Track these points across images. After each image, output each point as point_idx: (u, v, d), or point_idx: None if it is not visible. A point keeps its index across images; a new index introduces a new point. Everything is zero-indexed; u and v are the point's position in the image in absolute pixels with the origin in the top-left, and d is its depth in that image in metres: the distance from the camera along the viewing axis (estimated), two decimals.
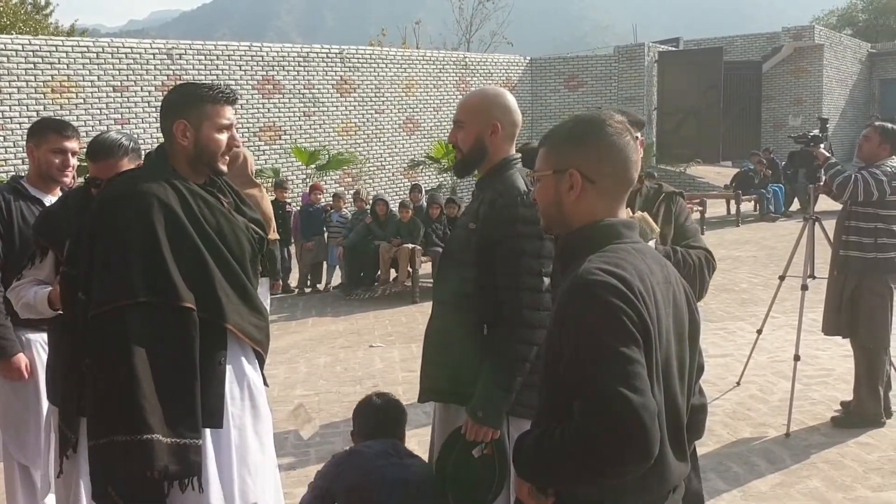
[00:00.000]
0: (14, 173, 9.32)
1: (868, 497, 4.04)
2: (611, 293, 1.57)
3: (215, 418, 2.44)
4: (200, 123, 2.50)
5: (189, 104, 2.52)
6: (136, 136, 3.21)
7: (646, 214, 2.76)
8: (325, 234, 10.37)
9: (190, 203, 2.49)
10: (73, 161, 3.48)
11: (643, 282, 1.65)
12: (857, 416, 4.99)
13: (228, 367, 2.51)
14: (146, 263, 2.37)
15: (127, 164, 2.93)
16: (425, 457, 2.99)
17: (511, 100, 2.71)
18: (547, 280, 2.49)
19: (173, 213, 2.44)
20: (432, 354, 2.76)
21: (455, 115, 2.74)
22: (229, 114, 2.55)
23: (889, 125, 5.10)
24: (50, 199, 3.46)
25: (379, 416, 3.09)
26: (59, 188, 3.52)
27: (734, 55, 24.80)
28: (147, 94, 12.88)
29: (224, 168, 2.59)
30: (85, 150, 3.10)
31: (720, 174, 19.85)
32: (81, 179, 3.53)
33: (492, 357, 2.50)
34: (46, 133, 3.43)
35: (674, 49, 22.90)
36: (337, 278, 10.37)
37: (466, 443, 2.51)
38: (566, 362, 1.60)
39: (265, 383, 2.75)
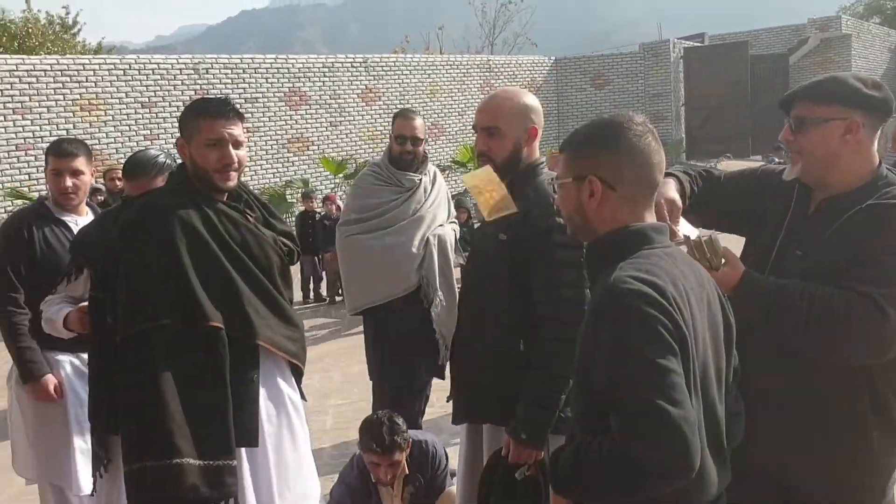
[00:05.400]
0: (45, 192, 9.39)
1: None
2: (645, 302, 1.53)
3: (250, 437, 2.40)
4: (192, 139, 2.47)
5: (186, 120, 2.50)
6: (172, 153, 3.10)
7: (712, 236, 2.02)
8: None
9: (212, 220, 2.46)
10: (78, 181, 3.33)
11: (677, 287, 1.60)
12: None
13: (262, 385, 2.49)
14: (170, 285, 2.34)
15: (162, 183, 2.84)
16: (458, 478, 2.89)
17: (537, 99, 2.60)
18: (588, 292, 2.26)
19: (196, 231, 2.41)
20: (465, 373, 2.63)
21: (483, 122, 2.51)
22: (222, 128, 2.44)
23: None
24: (76, 220, 3.38)
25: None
26: (84, 209, 3.45)
27: (760, 49, 24.45)
28: (175, 109, 12.98)
29: (223, 185, 2.49)
30: (121, 168, 3.07)
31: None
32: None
33: (533, 375, 2.36)
34: (48, 155, 3.34)
35: (699, 45, 22.66)
36: None
37: (509, 465, 2.38)
38: (601, 374, 1.56)
39: (303, 397, 2.70)
